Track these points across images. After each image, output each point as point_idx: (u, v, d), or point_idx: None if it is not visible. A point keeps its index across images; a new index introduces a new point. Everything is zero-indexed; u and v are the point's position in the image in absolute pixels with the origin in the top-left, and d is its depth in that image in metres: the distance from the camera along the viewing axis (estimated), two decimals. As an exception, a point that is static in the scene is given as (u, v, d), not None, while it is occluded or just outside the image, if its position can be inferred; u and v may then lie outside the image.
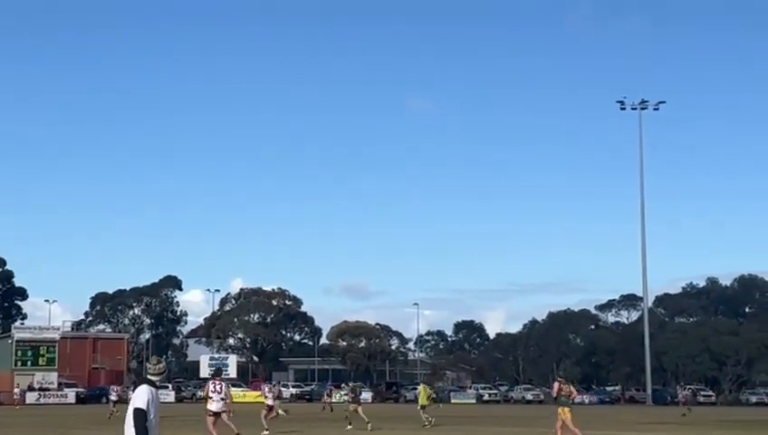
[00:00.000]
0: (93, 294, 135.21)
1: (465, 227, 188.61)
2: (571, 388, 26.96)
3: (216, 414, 24.52)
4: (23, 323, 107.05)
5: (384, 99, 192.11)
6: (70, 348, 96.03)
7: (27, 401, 74.91)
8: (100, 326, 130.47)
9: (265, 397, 36.61)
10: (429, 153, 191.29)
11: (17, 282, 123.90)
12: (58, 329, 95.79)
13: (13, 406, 66.61)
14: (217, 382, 25.27)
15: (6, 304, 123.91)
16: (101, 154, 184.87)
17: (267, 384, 44.36)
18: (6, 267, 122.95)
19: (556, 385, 26.83)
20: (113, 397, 50.08)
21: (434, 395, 28.44)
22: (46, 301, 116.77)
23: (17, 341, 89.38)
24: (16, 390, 75.06)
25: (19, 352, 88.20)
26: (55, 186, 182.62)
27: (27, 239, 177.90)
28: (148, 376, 9.91)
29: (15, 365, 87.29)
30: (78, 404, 76.03)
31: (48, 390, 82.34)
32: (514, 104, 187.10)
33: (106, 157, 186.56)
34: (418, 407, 40.17)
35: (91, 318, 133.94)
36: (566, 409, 25.27)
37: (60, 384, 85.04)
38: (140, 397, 9.40)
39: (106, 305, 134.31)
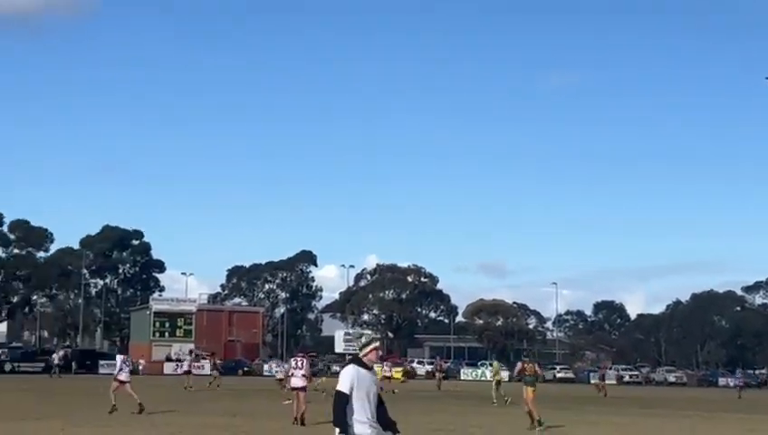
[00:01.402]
0: (229, 268, 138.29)
1: (605, 205, 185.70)
2: (536, 367, 28.03)
3: (296, 390, 24.43)
4: (160, 295, 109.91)
5: (516, 74, 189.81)
6: (206, 320, 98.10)
7: (165, 372, 76.92)
8: (236, 300, 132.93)
9: (276, 371, 36.99)
10: (568, 133, 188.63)
11: (155, 254, 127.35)
12: (195, 301, 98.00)
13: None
14: (299, 359, 25.54)
15: (144, 277, 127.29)
16: (236, 128, 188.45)
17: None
18: (144, 240, 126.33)
19: (519, 365, 28.32)
20: (279, 375, 47.61)
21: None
22: (183, 274, 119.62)
23: (155, 312, 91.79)
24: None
25: (157, 324, 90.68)
26: (192, 159, 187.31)
27: (165, 212, 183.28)
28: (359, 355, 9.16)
29: (153, 336, 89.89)
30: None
31: (184, 361, 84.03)
32: (649, 84, 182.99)
33: (248, 132, 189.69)
34: (493, 384, 39.63)
35: (226, 291, 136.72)
36: (530, 388, 25.78)
37: (196, 356, 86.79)
38: (342, 378, 8.77)
39: (242, 279, 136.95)
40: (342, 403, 8.60)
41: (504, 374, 40.15)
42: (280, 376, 39.29)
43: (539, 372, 28.19)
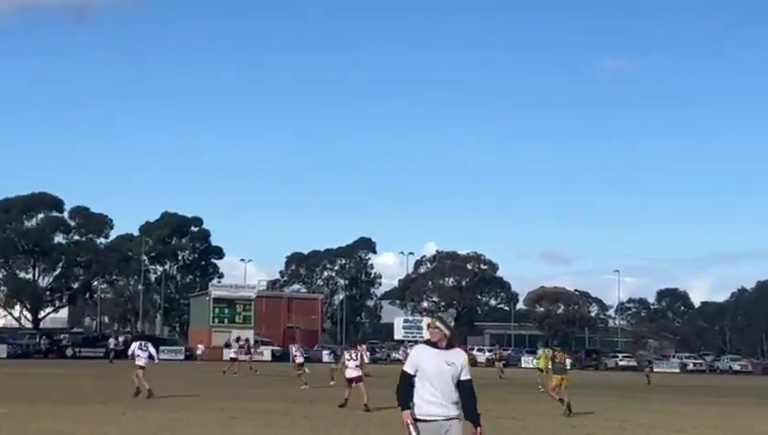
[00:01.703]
0: (288, 255, 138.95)
1: (669, 193, 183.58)
2: (564, 356, 28.80)
3: (351, 380, 25.66)
4: (219, 282, 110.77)
5: (575, 60, 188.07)
6: (265, 307, 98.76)
7: (224, 358, 77.41)
8: (295, 286, 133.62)
9: (294, 356, 40.39)
10: (631, 119, 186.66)
11: (214, 241, 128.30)
12: (254, 288, 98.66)
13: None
14: (353, 351, 27.26)
15: (203, 263, 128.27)
16: (296, 115, 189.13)
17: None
18: (203, 226, 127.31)
19: (551, 353, 29.57)
20: (299, 359, 47.24)
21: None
22: (242, 260, 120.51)
23: (214, 298, 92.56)
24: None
25: (216, 310, 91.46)
26: (251, 146, 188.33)
27: (224, 199, 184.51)
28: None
29: (213, 322, 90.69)
30: (273, 362, 78.22)
31: (232, 348, 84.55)
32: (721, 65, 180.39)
33: (307, 119, 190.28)
34: (538, 371, 39.93)
35: (285, 278, 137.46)
36: (559, 376, 26.00)
37: (256, 342, 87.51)
38: (408, 357, 8.72)
39: (301, 266, 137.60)
40: (404, 382, 8.52)
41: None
42: (299, 360, 40.39)
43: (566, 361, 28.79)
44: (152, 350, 29.68)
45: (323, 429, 19.48)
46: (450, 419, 8.45)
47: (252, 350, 45.32)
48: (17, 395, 27.33)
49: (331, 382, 37.39)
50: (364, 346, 53.29)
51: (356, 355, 26.42)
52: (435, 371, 8.47)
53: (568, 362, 29.11)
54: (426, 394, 8.46)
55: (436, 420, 8.41)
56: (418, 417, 8.42)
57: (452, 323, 8.98)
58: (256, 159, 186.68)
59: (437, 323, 8.79)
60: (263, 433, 17.87)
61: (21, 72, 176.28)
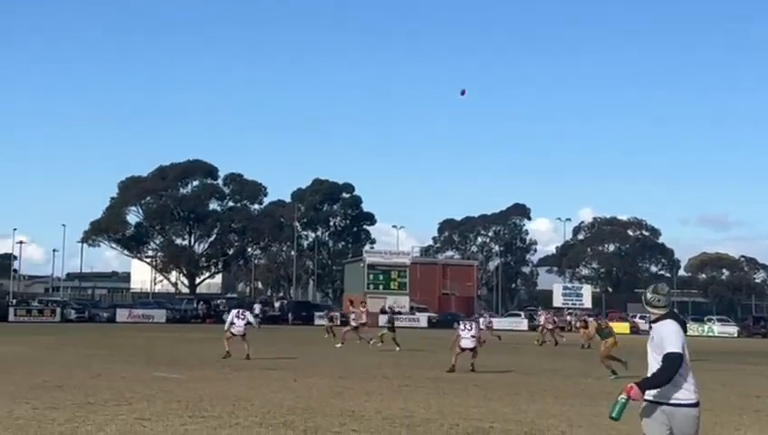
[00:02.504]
0: (441, 221, 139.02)
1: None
2: (608, 323, 31.35)
3: (465, 350, 26.33)
4: (372, 248, 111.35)
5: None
6: (420, 273, 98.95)
7: (380, 324, 77.76)
8: (448, 253, 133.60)
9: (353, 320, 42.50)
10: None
11: (365, 207, 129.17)
12: (408, 254, 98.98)
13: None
14: (467, 323, 27.98)
15: (355, 229, 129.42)
16: (446, 78, 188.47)
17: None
18: (355, 193, 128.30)
19: (595, 322, 32.88)
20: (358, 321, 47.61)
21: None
22: (394, 226, 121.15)
23: (369, 265, 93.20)
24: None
25: (371, 276, 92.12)
26: (402, 111, 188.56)
27: (375, 166, 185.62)
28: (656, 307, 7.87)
29: (368, 288, 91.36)
30: (429, 328, 78.32)
31: (400, 313, 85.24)
32: None
33: (458, 83, 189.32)
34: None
35: (438, 244, 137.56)
36: (609, 340, 27.34)
37: (411, 308, 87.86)
38: (675, 336, 7.48)
39: (454, 232, 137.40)
40: (677, 366, 7.36)
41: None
42: (330, 324, 44.90)
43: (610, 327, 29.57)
44: (250, 318, 30.53)
45: (497, 397, 18.99)
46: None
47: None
48: (185, 361, 27.75)
49: (378, 343, 39.19)
50: (488, 316, 53.12)
51: (471, 326, 27.12)
52: (684, 347, 7.53)
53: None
54: (690, 378, 7.49)
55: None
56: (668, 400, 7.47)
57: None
58: (408, 125, 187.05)
59: (662, 295, 7.97)
60: (437, 402, 17.44)
61: (176, 46, 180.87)
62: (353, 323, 42.53)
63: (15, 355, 29.14)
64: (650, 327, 7.89)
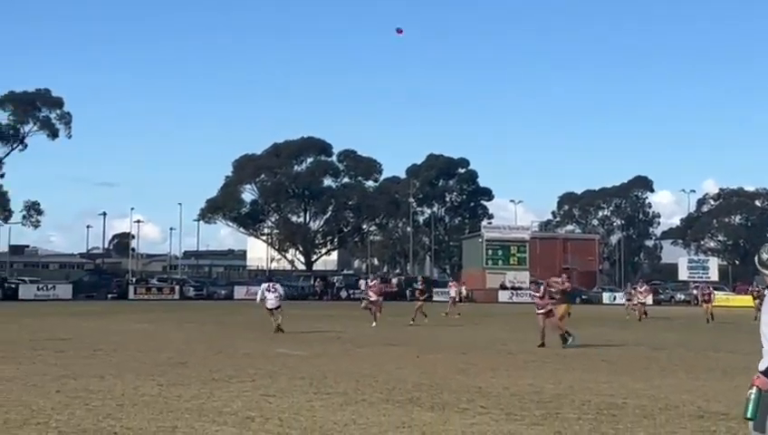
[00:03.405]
0: (560, 195, 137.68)
1: None
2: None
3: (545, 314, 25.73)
4: (489, 223, 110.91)
5: None
6: (539, 248, 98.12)
7: (499, 299, 77.71)
8: (568, 227, 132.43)
9: (368, 294, 38.54)
10: None
11: (481, 182, 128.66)
12: (527, 229, 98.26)
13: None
14: (534, 286, 28.22)
15: (472, 205, 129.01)
16: (572, 59, 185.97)
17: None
18: (470, 168, 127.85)
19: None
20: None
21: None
22: (512, 201, 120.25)
23: (487, 240, 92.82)
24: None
25: (489, 251, 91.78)
26: (516, 86, 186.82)
27: (490, 140, 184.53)
28: None
29: (486, 264, 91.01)
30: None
31: (520, 289, 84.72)
32: None
33: (572, 61, 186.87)
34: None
35: (558, 218, 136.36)
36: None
37: (532, 283, 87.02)
38: None
39: (573, 206, 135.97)
40: None
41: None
42: (365, 304, 40.95)
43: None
44: (281, 290, 30.63)
45: (627, 371, 18.62)
46: None
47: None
48: (305, 337, 27.90)
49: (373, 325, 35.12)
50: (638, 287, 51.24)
51: (538, 289, 26.83)
52: None
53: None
54: None
55: None
56: None
57: None
58: (524, 97, 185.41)
59: None
60: (566, 377, 17.14)
61: (289, 23, 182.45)
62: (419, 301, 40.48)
63: (138, 332, 29.76)
64: (764, 293, 7.00)
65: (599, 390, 15.25)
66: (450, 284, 52.12)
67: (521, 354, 22.52)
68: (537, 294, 26.41)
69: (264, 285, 30.49)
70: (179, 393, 13.63)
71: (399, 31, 50.33)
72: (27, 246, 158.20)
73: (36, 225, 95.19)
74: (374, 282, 39.06)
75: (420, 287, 42.34)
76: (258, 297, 30.21)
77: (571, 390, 15.11)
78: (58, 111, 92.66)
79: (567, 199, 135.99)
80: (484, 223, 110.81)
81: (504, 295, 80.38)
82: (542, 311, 25.78)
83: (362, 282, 63.04)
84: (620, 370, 19.13)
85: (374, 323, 34.69)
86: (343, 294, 78.47)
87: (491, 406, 12.98)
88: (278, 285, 30.85)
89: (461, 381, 16.12)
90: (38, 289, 71.14)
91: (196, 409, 12.14)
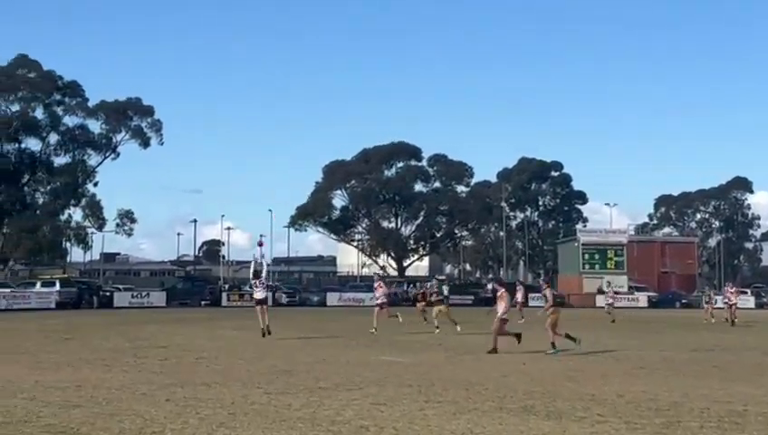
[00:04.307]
0: (656, 197, 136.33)
1: None
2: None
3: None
4: (584, 227, 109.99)
5: None
6: (637, 251, 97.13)
7: (597, 305, 76.74)
8: (665, 229, 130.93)
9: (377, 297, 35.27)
10: None
11: (575, 186, 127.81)
12: (624, 232, 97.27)
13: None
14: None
15: (566, 208, 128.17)
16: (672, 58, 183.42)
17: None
18: (564, 171, 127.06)
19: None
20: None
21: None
22: (606, 204, 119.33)
23: (583, 244, 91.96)
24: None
25: (586, 256, 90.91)
26: (611, 91, 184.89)
27: (584, 143, 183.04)
28: None
29: (583, 268, 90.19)
30: (650, 308, 76.48)
31: (618, 293, 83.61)
32: None
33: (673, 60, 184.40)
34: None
35: (654, 221, 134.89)
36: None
37: (630, 288, 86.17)
38: None
39: (671, 208, 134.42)
40: None
41: None
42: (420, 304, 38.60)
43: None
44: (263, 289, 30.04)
45: (741, 378, 18.33)
46: None
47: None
48: (404, 344, 27.82)
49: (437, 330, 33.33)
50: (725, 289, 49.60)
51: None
52: None
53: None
54: None
55: None
56: None
57: None
58: (616, 98, 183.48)
59: None
60: (679, 384, 16.82)
61: (377, 30, 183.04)
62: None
63: (236, 340, 29.96)
64: None
65: (715, 397, 14.96)
66: (517, 287, 51.60)
67: (628, 361, 22.19)
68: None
69: (252, 283, 30.89)
70: (289, 402, 13.64)
71: (260, 244, 51.70)
72: (119, 254, 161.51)
73: (129, 233, 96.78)
74: (378, 283, 36.74)
75: (422, 291, 39.91)
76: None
77: (686, 397, 14.84)
78: (149, 120, 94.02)
79: (663, 201, 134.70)
80: (580, 227, 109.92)
81: (601, 300, 79.33)
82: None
83: (445, 288, 62.37)
84: (733, 376, 18.81)
85: (458, 328, 33.18)
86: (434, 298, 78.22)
87: (608, 414, 12.78)
88: (264, 281, 30.56)
89: (572, 388, 15.92)
90: (132, 297, 72.18)
91: (308, 418, 12.12)
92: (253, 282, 30.69)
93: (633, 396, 14.86)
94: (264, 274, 30.25)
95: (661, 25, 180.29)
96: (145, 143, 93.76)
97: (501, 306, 24.32)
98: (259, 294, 29.80)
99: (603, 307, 50.06)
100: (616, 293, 50.48)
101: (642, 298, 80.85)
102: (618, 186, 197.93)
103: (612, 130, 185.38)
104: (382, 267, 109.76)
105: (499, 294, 24.99)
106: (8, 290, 66.58)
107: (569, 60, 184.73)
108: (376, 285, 36.55)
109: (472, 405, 13.49)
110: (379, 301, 34.88)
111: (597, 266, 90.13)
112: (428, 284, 42.70)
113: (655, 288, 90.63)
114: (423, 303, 38.06)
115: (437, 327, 33.43)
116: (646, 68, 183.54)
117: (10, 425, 11.48)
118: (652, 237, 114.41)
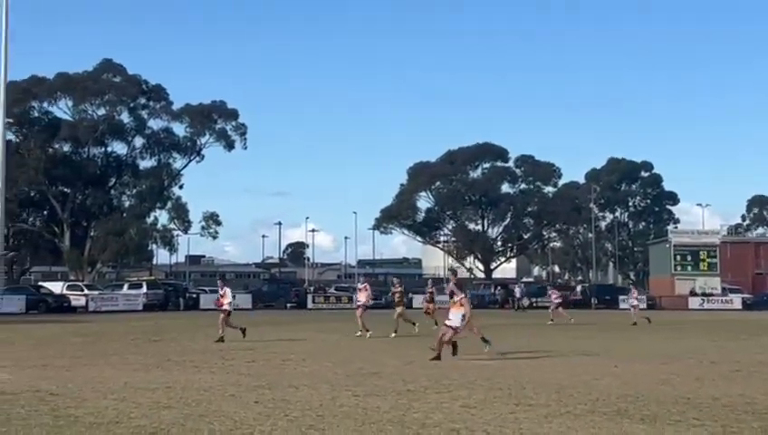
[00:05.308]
0: (750, 198, 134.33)
1: None
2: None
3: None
4: (675, 228, 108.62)
5: None
6: (730, 253, 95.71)
7: (690, 307, 75.83)
8: (758, 230, 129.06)
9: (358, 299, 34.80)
10: None
11: (666, 186, 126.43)
12: (717, 233, 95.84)
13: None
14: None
15: (657, 209, 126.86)
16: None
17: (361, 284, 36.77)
18: (654, 171, 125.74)
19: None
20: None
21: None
22: (698, 205, 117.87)
23: (675, 245, 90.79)
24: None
25: (678, 257, 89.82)
26: (702, 89, 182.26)
27: (675, 144, 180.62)
28: None
29: (675, 270, 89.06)
30: (744, 310, 75.07)
31: (711, 295, 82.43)
32: None
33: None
34: None
35: (747, 222, 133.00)
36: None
37: (724, 289, 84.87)
38: None
39: (764, 209, 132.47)
40: None
41: None
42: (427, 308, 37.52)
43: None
44: (229, 296, 30.28)
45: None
46: None
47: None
48: (495, 346, 27.65)
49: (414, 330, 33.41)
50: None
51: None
52: None
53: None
54: None
55: None
56: None
57: None
58: (706, 102, 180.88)
59: None
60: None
61: (459, 29, 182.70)
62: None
63: (323, 342, 30.12)
64: None
65: (816, 401, 14.59)
66: (550, 291, 50.84)
67: (724, 364, 21.76)
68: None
69: (221, 291, 30.76)
70: (377, 404, 13.64)
71: None
72: (203, 256, 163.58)
73: (215, 236, 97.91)
74: (364, 285, 35.51)
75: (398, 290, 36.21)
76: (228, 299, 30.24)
77: (787, 401, 14.50)
78: (233, 123, 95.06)
79: (757, 202, 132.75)
80: (671, 228, 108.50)
81: (694, 302, 78.32)
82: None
83: (549, 290, 61.98)
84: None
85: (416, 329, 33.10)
86: (525, 302, 77.72)
87: (704, 418, 12.56)
88: (228, 289, 30.74)
89: (666, 391, 15.66)
90: (218, 299, 72.96)
91: (397, 420, 12.10)
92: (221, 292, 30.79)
93: (730, 400, 14.59)
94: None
95: (748, 19, 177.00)
96: (229, 146, 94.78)
97: (453, 313, 21.65)
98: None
99: (628, 309, 48.72)
100: (639, 295, 49.53)
101: (736, 300, 79.45)
102: (709, 186, 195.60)
103: (703, 130, 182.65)
104: (454, 269, 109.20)
105: (457, 299, 21.80)
106: (96, 292, 68.00)
107: (659, 60, 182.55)
108: (361, 287, 35.33)
109: (564, 408, 13.35)
110: (360, 302, 34.20)
111: (689, 268, 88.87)
112: (448, 281, 41.74)
113: (749, 290, 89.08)
114: (431, 305, 37.41)
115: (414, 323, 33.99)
116: (735, 64, 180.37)
117: (102, 426, 11.66)
118: (746, 238, 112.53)
